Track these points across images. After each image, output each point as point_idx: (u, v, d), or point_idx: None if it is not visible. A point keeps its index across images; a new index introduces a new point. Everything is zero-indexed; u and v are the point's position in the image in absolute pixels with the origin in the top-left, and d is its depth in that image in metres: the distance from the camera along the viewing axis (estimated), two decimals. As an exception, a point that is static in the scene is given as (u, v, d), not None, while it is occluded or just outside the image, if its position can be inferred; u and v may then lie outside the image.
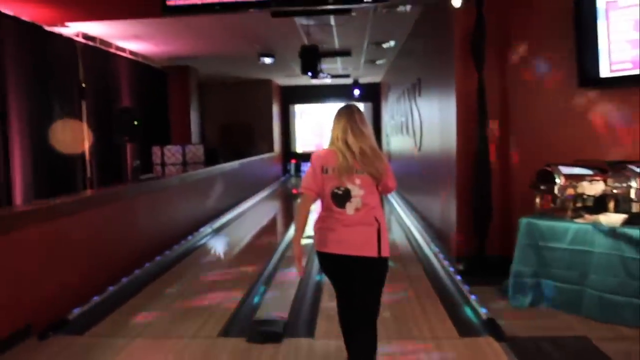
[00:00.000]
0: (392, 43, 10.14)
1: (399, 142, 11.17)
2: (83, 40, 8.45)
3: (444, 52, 6.02)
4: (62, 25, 7.64)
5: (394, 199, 10.49)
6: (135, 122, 8.29)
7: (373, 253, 2.61)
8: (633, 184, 3.74)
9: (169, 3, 4.51)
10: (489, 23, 4.99)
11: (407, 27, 8.74)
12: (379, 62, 12.51)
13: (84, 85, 8.46)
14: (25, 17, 6.82)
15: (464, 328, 3.77)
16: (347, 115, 2.74)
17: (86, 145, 8.50)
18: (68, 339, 3.82)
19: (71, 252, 4.46)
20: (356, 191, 2.64)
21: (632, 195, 3.74)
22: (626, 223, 3.74)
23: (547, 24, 4.85)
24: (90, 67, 8.59)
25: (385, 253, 2.64)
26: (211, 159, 10.57)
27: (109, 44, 9.38)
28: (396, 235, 7.43)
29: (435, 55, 6.73)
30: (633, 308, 3.61)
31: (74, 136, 7.99)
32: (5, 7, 6.46)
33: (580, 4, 4.43)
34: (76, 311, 4.22)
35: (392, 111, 12.94)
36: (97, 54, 8.92)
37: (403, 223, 8.17)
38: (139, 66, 10.56)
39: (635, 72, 4.21)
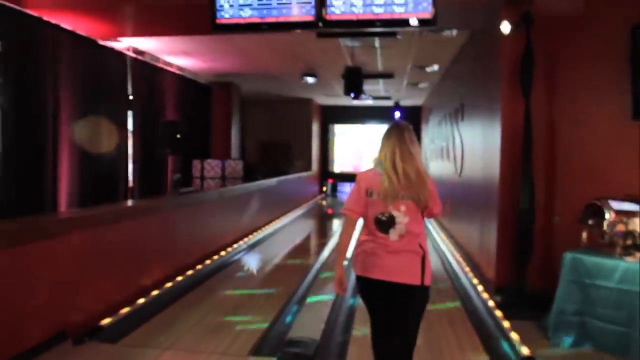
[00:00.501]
0: (435, 67, 10.07)
1: (439, 167, 11.02)
2: (133, 55, 8.72)
3: (489, 78, 5.92)
4: (115, 39, 7.91)
5: (431, 225, 10.32)
6: (179, 136, 8.48)
7: (416, 281, 2.54)
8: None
9: (218, 21, 4.61)
10: (538, 49, 4.89)
11: (452, 51, 8.67)
12: (421, 85, 12.44)
13: (131, 97, 8.71)
14: (81, 31, 7.10)
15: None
16: (397, 134, 2.66)
17: (130, 156, 8.71)
18: (102, 346, 3.87)
19: (109, 260, 4.54)
20: (401, 218, 2.58)
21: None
22: (677, 264, 3.55)
23: (600, 51, 4.71)
24: (138, 80, 8.85)
25: (428, 282, 2.58)
26: (250, 174, 10.67)
27: (158, 59, 9.65)
28: (432, 261, 7.25)
29: (480, 81, 6.64)
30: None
31: (118, 146, 8.22)
32: (63, 21, 6.74)
33: (637, 32, 4.29)
34: (111, 319, 4.27)
35: (433, 135, 12.81)
36: (146, 68, 9.18)
37: (440, 250, 8.01)
38: (184, 81, 10.82)
39: (694, 106, 4.03)
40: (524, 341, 3.86)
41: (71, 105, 7.02)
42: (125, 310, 4.49)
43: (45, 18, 6.49)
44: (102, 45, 7.69)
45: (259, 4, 4.52)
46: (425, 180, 2.62)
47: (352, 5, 4.39)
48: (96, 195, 7.37)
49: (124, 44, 8.34)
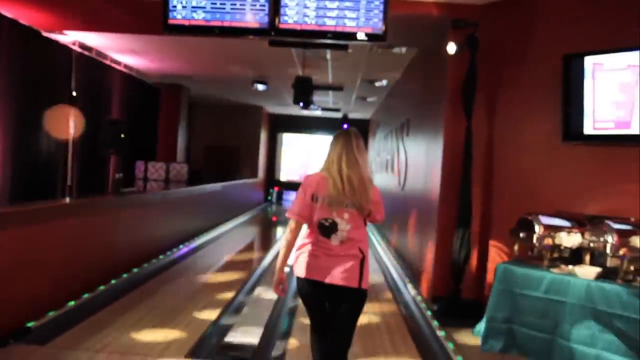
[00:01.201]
0: (384, 82, 10.34)
1: (383, 180, 11.26)
2: (79, 49, 8.47)
3: (435, 96, 6.16)
4: (60, 32, 7.66)
5: (372, 234, 10.50)
6: (122, 135, 8.26)
7: (354, 284, 2.60)
8: (609, 238, 3.81)
9: (170, 22, 4.56)
10: (481, 73, 5.13)
11: (401, 68, 8.94)
12: (369, 99, 12.72)
13: (74, 93, 8.43)
14: (23, 21, 6.83)
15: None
16: (345, 140, 2.71)
17: (70, 153, 8.41)
18: (29, 348, 3.71)
19: (41, 259, 4.36)
20: (343, 225, 2.63)
21: (608, 250, 3.80)
22: (600, 276, 3.80)
23: (536, 79, 4.99)
24: (83, 77, 8.58)
25: (365, 285, 2.64)
26: (194, 179, 10.52)
27: (105, 56, 9.41)
28: (372, 270, 7.41)
29: (426, 98, 6.88)
30: (603, 363, 3.63)
31: (58, 143, 7.92)
32: (4, 8, 6.47)
33: (569, 63, 4.59)
34: (40, 321, 4.11)
35: (379, 149, 13.08)
36: (92, 64, 8.92)
37: (380, 259, 8.17)
38: (131, 80, 10.58)
39: (617, 132, 4.34)
40: (457, 347, 4.01)
41: (8, 98, 6.73)
42: (55, 312, 4.33)
43: (-14, 5, 6.22)
44: (45, 37, 7.42)
45: (212, 7, 4.51)
46: (367, 188, 2.67)
47: (305, 15, 4.46)
48: (30, 193, 7.06)
49: (70, 37, 8.09)
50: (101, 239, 5.44)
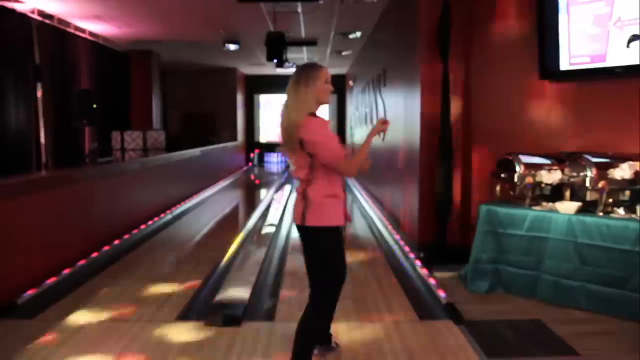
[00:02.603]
0: (358, 34, 10.15)
1: (363, 134, 11.20)
2: (39, 18, 8.12)
3: (409, 42, 6.05)
4: (17, 0, 7.32)
5: (357, 190, 10.53)
6: (94, 106, 8.07)
7: (299, 221, 2.65)
8: (588, 173, 3.84)
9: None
10: (454, 13, 5.04)
11: (374, 18, 8.76)
12: (344, 53, 12.52)
13: (39, 65, 8.14)
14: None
15: (424, 312, 3.81)
16: (290, 81, 2.64)
17: (41, 129, 8.19)
18: (17, 322, 3.68)
19: (22, 234, 4.28)
20: (291, 166, 2.74)
21: (587, 183, 3.84)
22: (581, 211, 3.85)
23: (510, 16, 4.93)
24: (46, 47, 8.27)
25: (309, 222, 2.60)
26: (173, 146, 10.36)
27: (68, 24, 9.05)
28: (359, 224, 7.46)
29: (400, 46, 6.76)
30: (585, 292, 3.72)
31: (27, 118, 7.69)
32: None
33: (542, -4, 4.52)
34: (26, 295, 4.06)
35: (357, 103, 12.98)
36: (55, 33, 8.59)
37: (366, 213, 8.21)
38: (99, 48, 10.25)
39: (593, 65, 4.32)
40: (445, 290, 4.07)
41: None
42: (42, 285, 4.28)
43: None
44: (1, 6, 7.09)
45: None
46: (289, 128, 2.59)
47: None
48: (3, 168, 6.88)
49: (28, 5, 7.74)
50: (82, 211, 5.35)
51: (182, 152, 9.53)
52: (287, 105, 2.63)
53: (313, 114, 2.60)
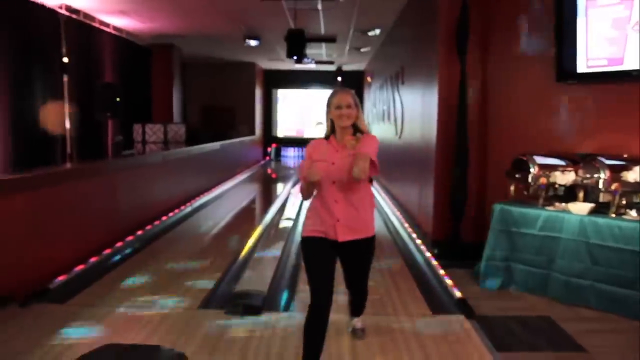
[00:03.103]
0: (377, 31, 10.22)
1: (381, 130, 11.31)
2: (67, 13, 8.35)
3: (428, 41, 6.13)
4: (46, -4, 7.55)
5: (373, 187, 10.62)
6: (117, 99, 8.28)
7: None
8: (601, 175, 3.92)
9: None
10: (473, 14, 5.12)
11: (393, 15, 8.83)
12: (363, 49, 12.58)
13: (66, 59, 8.37)
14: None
15: (437, 307, 3.93)
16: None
17: (67, 121, 8.43)
18: (49, 307, 3.88)
19: (54, 222, 4.49)
20: None
21: (600, 185, 3.92)
22: (593, 212, 3.93)
23: (528, 17, 4.99)
24: (73, 41, 8.50)
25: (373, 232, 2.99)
26: (192, 139, 10.57)
27: (93, 18, 9.27)
28: (375, 221, 7.56)
29: (419, 44, 6.85)
30: (595, 291, 3.81)
31: (55, 111, 7.92)
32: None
33: (560, 2, 4.57)
34: (57, 281, 4.27)
35: (375, 99, 13.05)
36: (81, 28, 8.82)
37: (382, 209, 8.33)
38: (122, 42, 10.47)
39: (610, 68, 4.38)
40: (457, 286, 4.19)
41: (1, 67, 6.70)
42: (72, 272, 4.49)
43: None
44: (31, 2, 7.31)
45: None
46: None
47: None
48: (32, 163, 7.12)
49: (56, 1, 7.97)
50: (108, 201, 5.55)
51: (202, 146, 9.73)
52: None
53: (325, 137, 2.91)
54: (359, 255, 2.94)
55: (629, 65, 4.25)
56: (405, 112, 8.02)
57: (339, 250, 2.83)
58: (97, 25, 9.41)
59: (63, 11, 8.25)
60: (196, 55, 13.70)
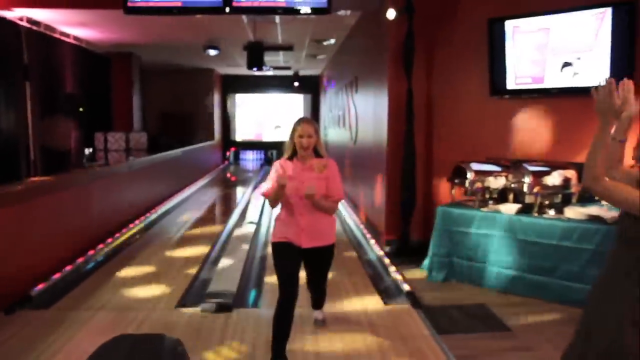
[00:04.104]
0: (332, 41, 10.73)
1: (336, 134, 11.84)
2: (27, 25, 8.47)
3: (378, 55, 6.68)
4: (7, 9, 7.67)
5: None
6: (81, 109, 8.49)
7: None
8: (526, 179, 4.55)
9: (130, 4, 4.87)
10: (418, 34, 5.68)
11: (347, 27, 9.35)
12: (319, 57, 13.08)
13: (27, 68, 8.48)
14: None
15: (388, 299, 4.46)
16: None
17: (30, 129, 8.55)
18: (34, 313, 4.18)
19: (32, 234, 4.77)
20: None
21: (525, 188, 4.55)
22: (520, 212, 4.56)
23: (467, 39, 5.60)
24: (34, 52, 8.62)
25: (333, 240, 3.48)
26: (153, 146, 10.81)
27: (53, 29, 9.39)
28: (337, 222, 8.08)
29: (371, 57, 7.40)
30: (522, 280, 4.44)
31: (17, 119, 8.06)
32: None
33: (492, 26, 5.20)
34: (39, 289, 4.56)
35: (331, 104, 13.58)
36: (42, 39, 8.94)
37: (339, 211, 8.84)
38: (82, 52, 10.59)
39: (534, 86, 5.04)
40: (406, 280, 4.74)
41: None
42: (51, 279, 4.78)
43: None
44: (-6, 16, 7.44)
45: (169, -11, 4.85)
46: None
47: (253, -4, 4.87)
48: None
49: (17, 13, 8.08)
50: (79, 211, 5.84)
51: (166, 153, 10.00)
52: None
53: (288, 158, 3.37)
54: (319, 259, 3.46)
55: (549, 83, 4.92)
56: (359, 119, 8.57)
57: (303, 255, 3.33)
58: (57, 35, 9.53)
59: (24, 23, 8.37)
60: (155, 62, 13.85)
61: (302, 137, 3.25)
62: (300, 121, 3.33)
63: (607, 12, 4.45)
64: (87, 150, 6.72)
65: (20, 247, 4.57)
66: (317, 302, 3.86)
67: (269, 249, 6.13)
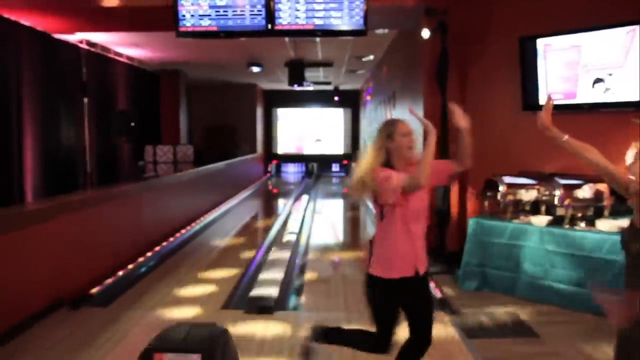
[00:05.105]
0: (371, 57, 11.04)
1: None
2: (86, 47, 9.14)
3: (414, 73, 6.93)
4: (70, 33, 8.33)
5: (368, 200, 11.36)
6: (132, 124, 9.05)
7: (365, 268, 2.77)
8: (557, 192, 4.68)
9: (181, 29, 5.30)
10: (452, 53, 5.90)
11: (385, 45, 9.64)
12: (359, 72, 13.41)
13: (86, 86, 9.14)
14: (39, 27, 7.51)
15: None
16: None
17: (87, 143, 9.18)
18: (94, 310, 4.59)
19: (93, 239, 5.23)
20: None
21: (556, 201, 4.68)
22: (551, 223, 4.69)
23: (498, 57, 5.78)
24: (92, 71, 9.28)
25: (371, 270, 2.70)
26: (199, 159, 11.33)
27: (108, 50, 10.07)
28: (369, 230, 8.32)
29: (408, 74, 7.65)
30: (553, 290, 4.55)
31: (76, 134, 8.68)
32: (22, 18, 7.14)
33: (524, 44, 5.37)
34: (98, 289, 4.99)
35: (370, 118, 13.85)
36: (99, 59, 9.61)
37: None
38: (134, 70, 11.26)
39: (566, 102, 5.17)
40: (441, 288, 4.93)
41: (32, 100, 7.45)
42: (109, 280, 5.21)
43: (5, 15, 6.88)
44: (57, 39, 8.09)
45: (216, 15, 5.24)
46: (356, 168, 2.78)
47: (296, 17, 5.21)
48: (58, 181, 7.86)
49: (77, 36, 8.75)
50: (133, 219, 6.30)
51: (211, 166, 10.48)
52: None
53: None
54: (427, 287, 2.91)
55: (581, 99, 5.05)
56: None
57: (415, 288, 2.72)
58: (112, 55, 10.20)
59: (83, 45, 9.04)
60: (200, 78, 14.50)
61: (405, 136, 2.70)
62: (395, 120, 2.79)
63: (637, 29, 4.57)
64: (141, 163, 7.22)
65: (83, 250, 5.02)
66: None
67: (309, 257, 6.55)
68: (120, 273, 5.49)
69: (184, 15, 5.29)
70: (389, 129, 2.71)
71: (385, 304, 2.70)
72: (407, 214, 2.67)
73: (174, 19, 5.31)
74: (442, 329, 4.11)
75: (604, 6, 4.94)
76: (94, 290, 4.94)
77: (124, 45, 9.88)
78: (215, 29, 5.30)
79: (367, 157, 2.71)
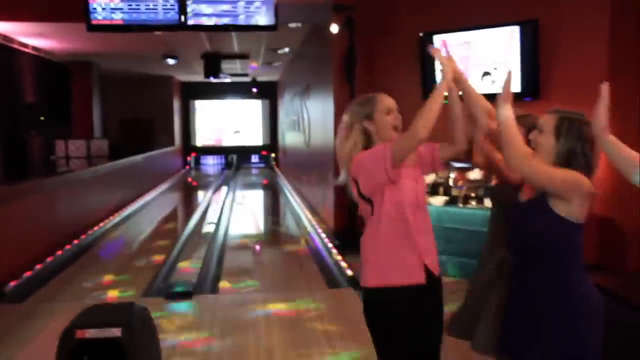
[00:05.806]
0: (286, 49, 11.28)
1: (293, 138, 12.39)
2: (-13, 37, 8.70)
3: (326, 65, 7.28)
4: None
5: (287, 190, 11.69)
6: (42, 118, 8.77)
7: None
8: (452, 175, 5.21)
9: (93, 22, 5.29)
10: (359, 46, 6.30)
11: (299, 38, 9.92)
12: (275, 64, 13.60)
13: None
14: None
15: (332, 283, 5.03)
16: None
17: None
18: (8, 306, 4.54)
19: (4, 235, 5.13)
20: None
21: (451, 183, 5.20)
22: (447, 203, 5.20)
23: (402, 51, 6.25)
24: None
25: (363, 282, 2.16)
26: (115, 153, 11.09)
27: (11, 40, 9.61)
28: (288, 219, 8.63)
29: (319, 66, 8.00)
30: (452, 264, 5.07)
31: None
32: None
33: (423, 40, 5.86)
34: (12, 285, 4.92)
35: (287, 109, 14.14)
36: (1, 49, 9.16)
37: (293, 210, 9.40)
38: (41, 61, 10.80)
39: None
40: (351, 267, 5.32)
41: None
42: (24, 276, 5.15)
43: None
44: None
45: (129, 9, 5.28)
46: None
47: (206, 15, 5.37)
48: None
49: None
50: (47, 214, 6.19)
51: (128, 159, 10.32)
52: None
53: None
54: (440, 300, 2.20)
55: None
56: (311, 124, 9.15)
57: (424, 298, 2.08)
58: (16, 46, 9.74)
59: (-17, 35, 8.60)
60: (114, 70, 14.07)
61: (389, 113, 2.25)
62: (374, 96, 2.29)
63: (517, 29, 5.17)
64: (52, 157, 7.03)
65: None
66: None
67: (228, 245, 6.75)
68: (37, 267, 5.42)
69: (95, 8, 5.29)
70: (367, 108, 2.22)
71: (393, 327, 2.03)
72: (400, 199, 2.08)
73: (85, 12, 5.28)
74: (352, 303, 4.47)
75: (491, 8, 5.52)
76: (8, 287, 4.87)
77: (29, 35, 9.45)
78: (127, 23, 5.34)
79: (342, 147, 2.26)
